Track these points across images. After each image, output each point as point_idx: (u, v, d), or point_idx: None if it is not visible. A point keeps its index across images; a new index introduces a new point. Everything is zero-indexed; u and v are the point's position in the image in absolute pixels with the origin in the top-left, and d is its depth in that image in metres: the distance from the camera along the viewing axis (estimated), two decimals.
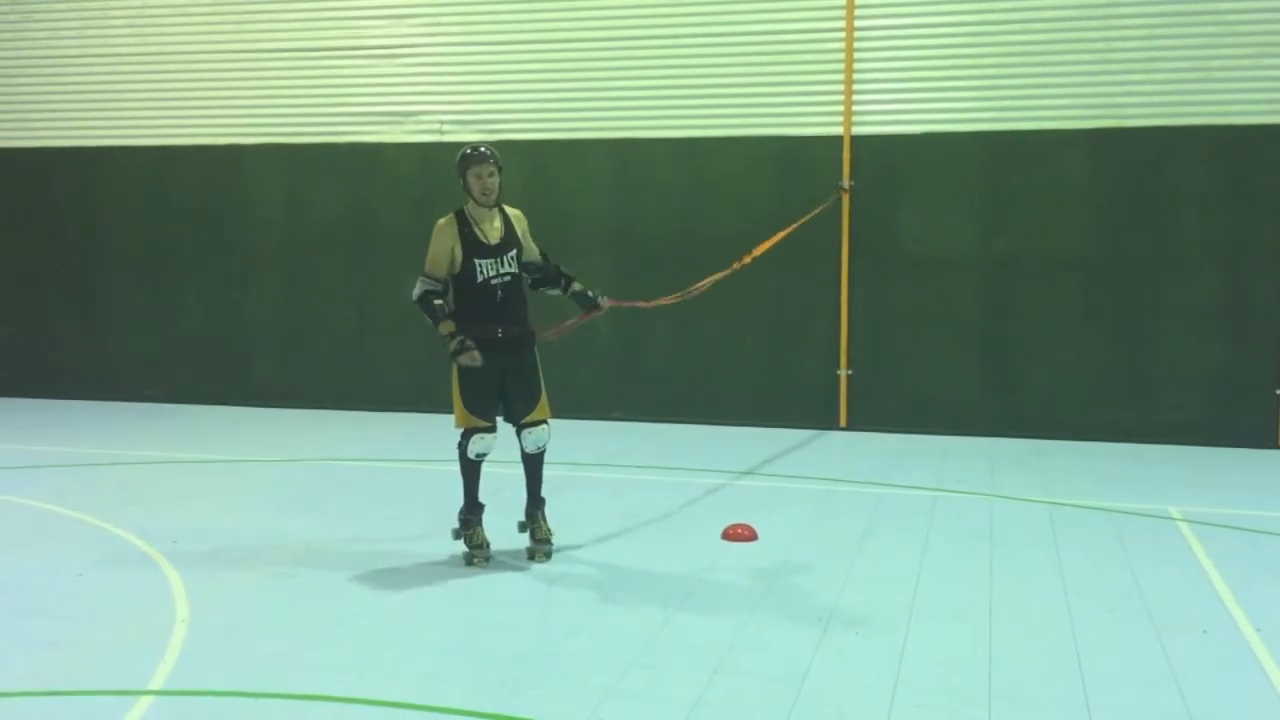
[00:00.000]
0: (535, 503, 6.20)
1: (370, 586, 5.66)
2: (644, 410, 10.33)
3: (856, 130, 9.86)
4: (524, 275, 6.10)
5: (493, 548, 6.08)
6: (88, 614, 5.26)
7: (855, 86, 9.85)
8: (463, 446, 6.02)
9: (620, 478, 8.20)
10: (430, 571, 5.88)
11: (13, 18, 11.64)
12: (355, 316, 11.04)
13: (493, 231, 5.93)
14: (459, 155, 5.90)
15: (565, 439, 9.31)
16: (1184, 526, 6.80)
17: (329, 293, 11.11)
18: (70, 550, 6.30)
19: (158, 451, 9.06)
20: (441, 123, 10.74)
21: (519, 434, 6.10)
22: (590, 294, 6.26)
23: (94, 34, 11.46)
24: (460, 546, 6.10)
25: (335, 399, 11.01)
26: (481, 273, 5.84)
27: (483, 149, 5.91)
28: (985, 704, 4.26)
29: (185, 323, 11.46)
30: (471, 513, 6.10)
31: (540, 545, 6.11)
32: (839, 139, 9.88)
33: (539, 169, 10.47)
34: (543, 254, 6.22)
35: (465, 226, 5.88)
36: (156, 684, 4.44)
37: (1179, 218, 9.38)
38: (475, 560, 5.98)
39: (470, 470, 6.09)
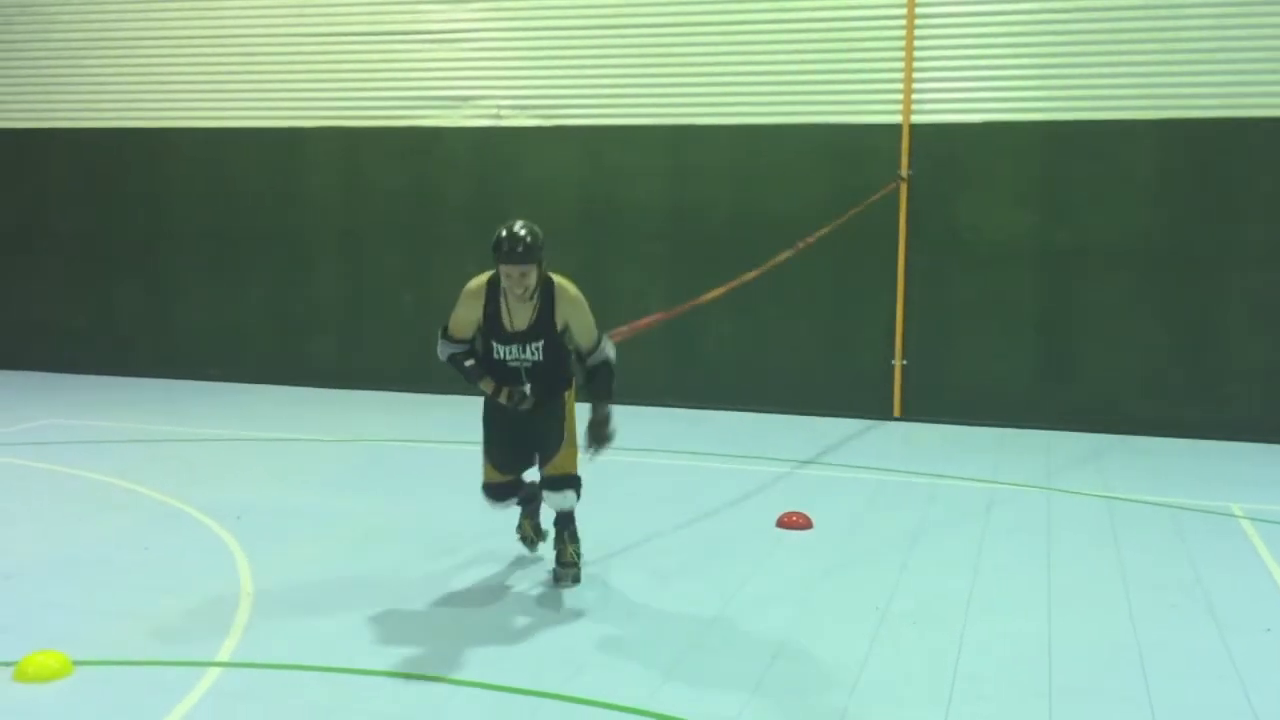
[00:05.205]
0: (563, 521, 5.56)
1: (432, 566, 5.72)
2: (698, 397, 10.34)
3: (916, 119, 9.78)
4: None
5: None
6: (155, 587, 5.38)
7: (915, 74, 9.76)
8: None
9: (675, 464, 8.22)
10: (491, 554, 5.92)
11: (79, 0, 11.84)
12: (413, 299, 11.13)
13: (520, 316, 5.14)
14: (494, 237, 5.00)
15: (618, 424, 9.35)
16: (1247, 524, 6.70)
17: (387, 275, 11.21)
18: (137, 524, 6.44)
19: (220, 429, 9.22)
20: (499, 107, 10.80)
21: (543, 487, 5.49)
22: (593, 430, 5.19)
23: (158, 17, 11.62)
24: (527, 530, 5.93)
25: (393, 381, 11.12)
26: (498, 354, 5.22)
27: (519, 247, 4.93)
28: (1046, 696, 4.24)
29: (246, 303, 11.61)
30: (522, 504, 5.80)
31: (566, 569, 5.52)
32: (898, 127, 9.80)
33: (596, 155, 10.50)
34: (599, 360, 5.22)
35: (492, 303, 5.14)
36: (225, 656, 4.54)
37: (1245, 210, 9.22)
38: (527, 547, 5.87)
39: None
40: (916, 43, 9.74)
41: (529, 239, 4.97)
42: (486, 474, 5.50)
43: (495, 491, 5.53)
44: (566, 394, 5.39)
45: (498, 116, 10.81)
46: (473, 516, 6.58)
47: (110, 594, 5.29)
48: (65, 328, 12.06)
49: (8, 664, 4.37)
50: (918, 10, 9.71)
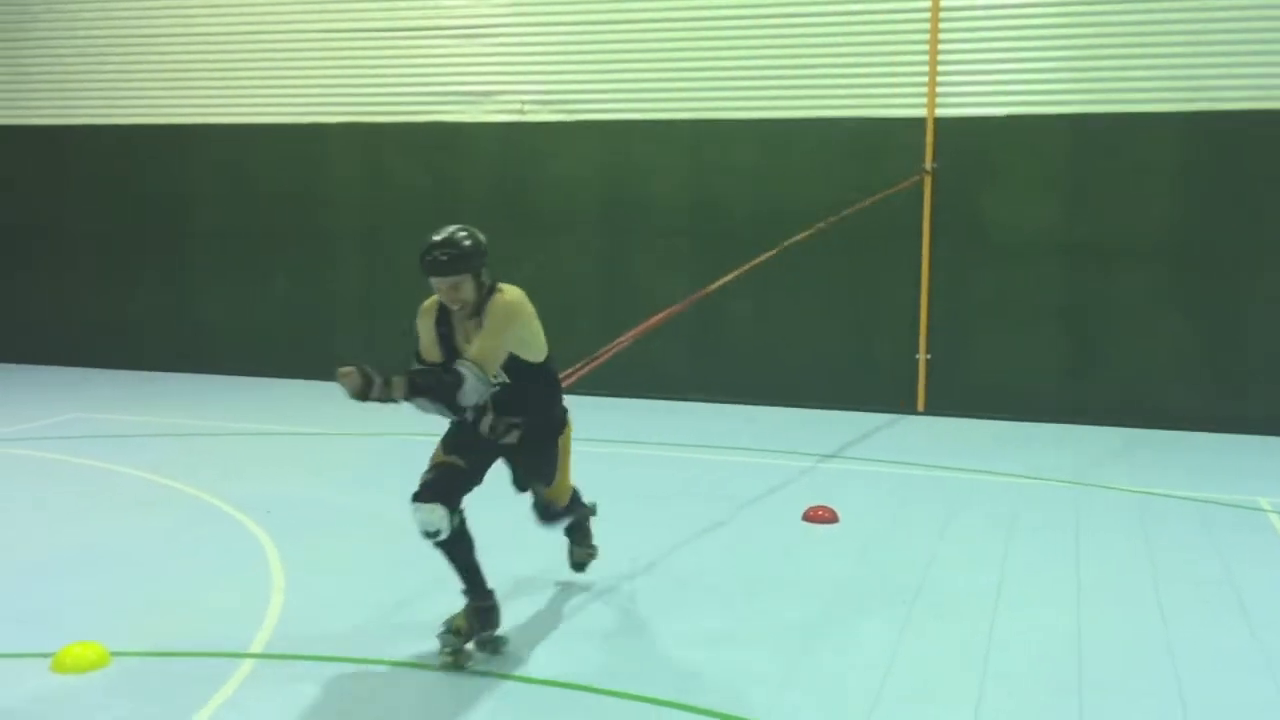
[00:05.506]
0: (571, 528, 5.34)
1: None
2: (721, 391, 10.34)
3: (940, 112, 9.74)
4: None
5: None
6: (188, 581, 5.43)
7: (940, 67, 9.72)
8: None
9: (698, 458, 8.23)
10: (519, 549, 5.92)
11: None
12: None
13: (471, 336, 4.48)
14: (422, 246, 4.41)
15: (643, 419, 9.39)
16: (1275, 518, 6.68)
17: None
18: (168, 518, 6.50)
19: (247, 424, 9.27)
20: (522, 103, 10.81)
21: (535, 514, 5.12)
22: (365, 377, 4.13)
23: (180, 14, 11.68)
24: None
25: None
26: None
27: (442, 256, 4.30)
28: (1076, 691, 4.24)
29: (269, 298, 11.67)
30: (468, 593, 4.60)
31: (579, 567, 5.40)
32: (922, 121, 9.77)
33: (618, 150, 10.51)
34: (461, 370, 4.30)
35: (444, 322, 4.54)
36: (258, 648, 4.58)
37: (1273, 204, 9.16)
38: (443, 656, 4.42)
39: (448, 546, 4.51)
40: (941, 35, 9.70)
41: (460, 245, 4.32)
42: (430, 461, 4.56)
43: (431, 487, 4.42)
44: (560, 440, 4.85)
45: (520, 112, 10.83)
46: (501, 514, 6.60)
47: (143, 587, 5.34)
48: (87, 323, 12.14)
49: (45, 655, 4.42)
50: (942, 3, 9.67)
